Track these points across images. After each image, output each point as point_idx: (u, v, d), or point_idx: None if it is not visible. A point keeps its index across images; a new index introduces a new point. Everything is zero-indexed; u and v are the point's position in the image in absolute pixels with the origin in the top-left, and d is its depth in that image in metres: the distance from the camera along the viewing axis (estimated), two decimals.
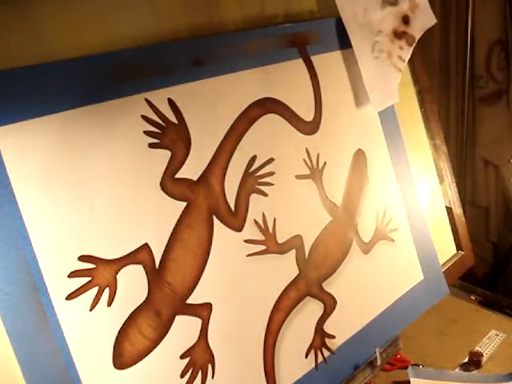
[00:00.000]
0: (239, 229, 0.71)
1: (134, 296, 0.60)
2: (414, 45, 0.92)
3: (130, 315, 0.59)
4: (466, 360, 0.92)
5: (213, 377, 0.67)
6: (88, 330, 0.55)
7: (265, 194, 0.75)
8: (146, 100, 0.61)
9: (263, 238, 0.74)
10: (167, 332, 0.62)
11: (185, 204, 0.65)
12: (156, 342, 0.61)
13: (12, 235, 0.50)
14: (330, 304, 0.81)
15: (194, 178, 0.66)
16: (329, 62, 0.86)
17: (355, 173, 0.89)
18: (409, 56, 0.91)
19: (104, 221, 0.57)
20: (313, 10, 0.88)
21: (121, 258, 0.59)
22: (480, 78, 1.48)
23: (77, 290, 0.55)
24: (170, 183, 0.63)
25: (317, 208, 0.83)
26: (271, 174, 0.76)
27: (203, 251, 0.67)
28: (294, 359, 0.76)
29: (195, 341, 0.65)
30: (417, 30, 0.92)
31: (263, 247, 0.74)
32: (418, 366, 0.90)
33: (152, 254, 0.61)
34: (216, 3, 0.71)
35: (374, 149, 0.91)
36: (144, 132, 0.61)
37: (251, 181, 0.73)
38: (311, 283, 0.80)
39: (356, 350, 0.83)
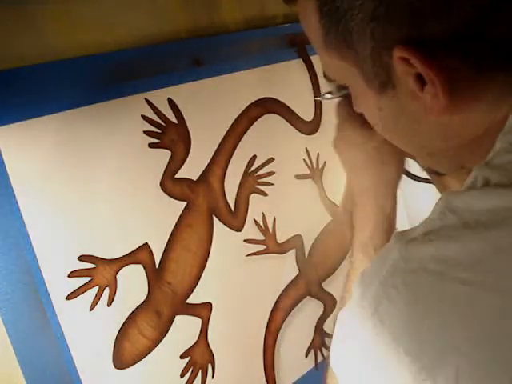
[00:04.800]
0: (239, 228, 0.71)
1: (134, 296, 0.60)
2: None
3: (130, 315, 0.59)
4: None
5: (213, 376, 0.67)
6: (88, 329, 0.55)
7: (265, 194, 0.75)
8: (146, 100, 0.61)
9: (263, 237, 0.74)
10: (167, 332, 0.62)
11: (185, 204, 0.65)
12: (156, 342, 0.61)
13: (12, 235, 0.50)
14: (329, 304, 0.81)
15: (194, 178, 0.66)
16: None
17: None
18: None
19: (104, 220, 0.57)
20: None
21: (121, 257, 0.59)
22: None
23: (77, 289, 0.55)
24: (170, 183, 0.63)
25: (317, 208, 0.83)
26: (271, 173, 0.76)
27: (203, 251, 0.67)
28: (293, 359, 0.76)
29: (195, 340, 0.65)
30: None
31: (263, 247, 0.74)
32: None
33: (152, 253, 0.61)
34: (216, 3, 0.71)
35: None
36: (144, 132, 0.61)
37: (251, 180, 0.73)
38: (311, 283, 0.80)
39: None
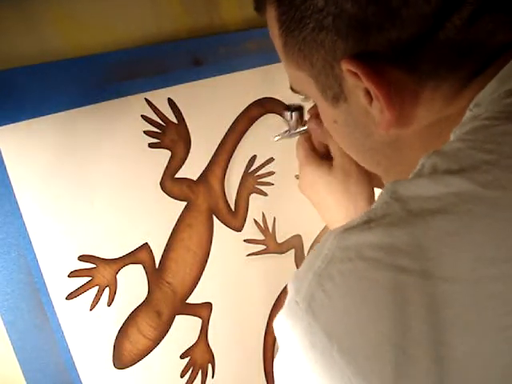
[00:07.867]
0: (239, 228, 0.71)
1: (134, 296, 0.60)
2: None
3: (130, 315, 0.59)
4: None
5: (213, 376, 0.67)
6: (88, 329, 0.55)
7: (264, 194, 0.75)
8: (146, 100, 0.61)
9: (263, 237, 0.74)
10: (167, 331, 0.62)
11: (185, 204, 0.65)
12: (156, 342, 0.61)
13: (12, 235, 0.50)
14: None
15: (194, 178, 0.66)
16: None
17: None
18: None
19: (104, 220, 0.57)
20: None
21: (121, 257, 0.59)
22: None
23: (77, 289, 0.55)
24: (170, 183, 0.63)
25: None
26: (271, 173, 0.76)
27: (203, 251, 0.67)
28: None
29: (195, 340, 0.65)
30: None
31: (263, 247, 0.74)
32: None
33: (152, 253, 0.61)
34: (216, 3, 0.71)
35: None
36: (144, 132, 0.61)
37: (251, 180, 0.73)
38: None
39: None
